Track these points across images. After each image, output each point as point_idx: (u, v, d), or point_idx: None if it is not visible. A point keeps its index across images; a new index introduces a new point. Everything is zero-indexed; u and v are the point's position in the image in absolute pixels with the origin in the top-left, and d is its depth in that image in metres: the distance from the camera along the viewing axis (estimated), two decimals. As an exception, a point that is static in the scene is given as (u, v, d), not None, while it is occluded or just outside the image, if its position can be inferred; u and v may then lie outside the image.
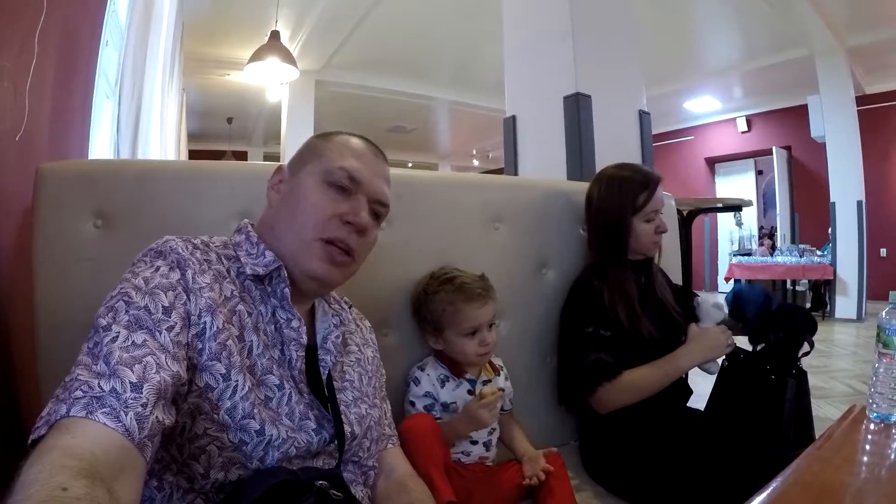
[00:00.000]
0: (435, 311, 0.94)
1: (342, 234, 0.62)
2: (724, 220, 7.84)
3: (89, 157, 1.36)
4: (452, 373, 0.95)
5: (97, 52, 1.39)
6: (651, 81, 6.12)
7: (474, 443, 0.95)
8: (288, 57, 3.83)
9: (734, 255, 6.69)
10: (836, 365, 3.46)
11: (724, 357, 1.15)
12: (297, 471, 0.56)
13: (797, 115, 6.38)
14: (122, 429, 0.43)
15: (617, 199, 1.12)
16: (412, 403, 0.93)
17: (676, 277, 1.37)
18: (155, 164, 0.96)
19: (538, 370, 1.17)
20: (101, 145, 1.68)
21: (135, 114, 1.60)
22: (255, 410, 0.55)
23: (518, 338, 1.16)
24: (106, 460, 0.40)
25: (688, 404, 1.18)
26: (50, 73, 1.05)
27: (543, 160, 1.98)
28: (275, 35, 3.81)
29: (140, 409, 0.44)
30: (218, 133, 8.14)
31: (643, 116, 2.00)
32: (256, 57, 3.71)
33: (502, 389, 1.00)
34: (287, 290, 0.61)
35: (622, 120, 1.98)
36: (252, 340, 0.58)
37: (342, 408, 0.65)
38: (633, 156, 1.96)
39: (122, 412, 0.43)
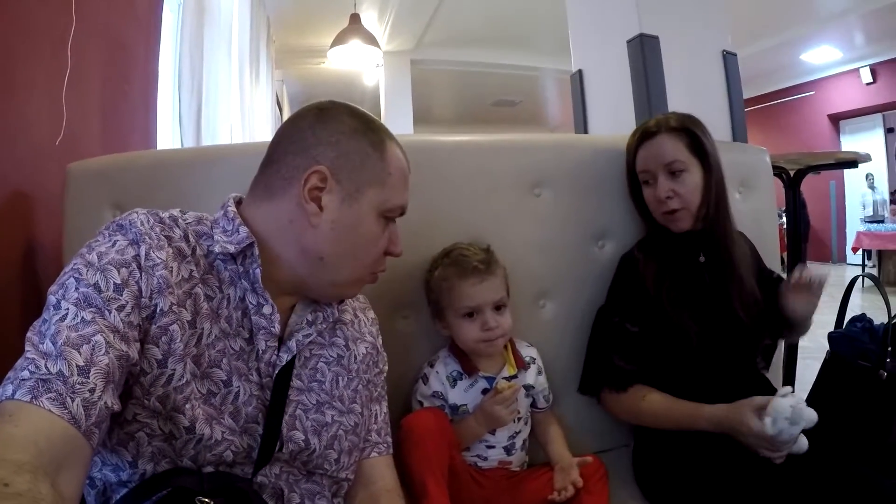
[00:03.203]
0: (435, 289, 0.83)
1: (384, 264, 0.64)
2: (854, 182, 6.55)
3: (157, 149, 1.47)
4: (465, 369, 0.83)
5: (156, 53, 1.48)
6: (762, 32, 5.29)
7: (491, 447, 0.84)
8: (370, 38, 3.83)
9: (864, 222, 5.61)
10: None
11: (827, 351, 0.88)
12: (205, 475, 0.51)
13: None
14: (67, 416, 0.41)
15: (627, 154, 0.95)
16: (420, 403, 0.84)
17: (774, 252, 1.10)
18: (165, 154, 1.00)
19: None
20: (178, 137, 1.80)
21: (196, 107, 1.69)
22: (189, 405, 0.51)
23: (565, 321, 1.01)
24: (50, 452, 0.39)
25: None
26: (94, 79, 1.12)
27: (613, 115, 1.71)
28: (355, 18, 3.82)
29: (87, 395, 0.42)
30: (325, 119, 8.61)
31: (728, 58, 1.64)
32: (338, 41, 3.75)
33: (532, 386, 0.87)
34: (258, 270, 0.56)
35: (700, 63, 1.65)
36: (204, 328, 0.53)
37: (298, 412, 0.59)
38: (717, 104, 1.63)
39: (68, 398, 0.41)
